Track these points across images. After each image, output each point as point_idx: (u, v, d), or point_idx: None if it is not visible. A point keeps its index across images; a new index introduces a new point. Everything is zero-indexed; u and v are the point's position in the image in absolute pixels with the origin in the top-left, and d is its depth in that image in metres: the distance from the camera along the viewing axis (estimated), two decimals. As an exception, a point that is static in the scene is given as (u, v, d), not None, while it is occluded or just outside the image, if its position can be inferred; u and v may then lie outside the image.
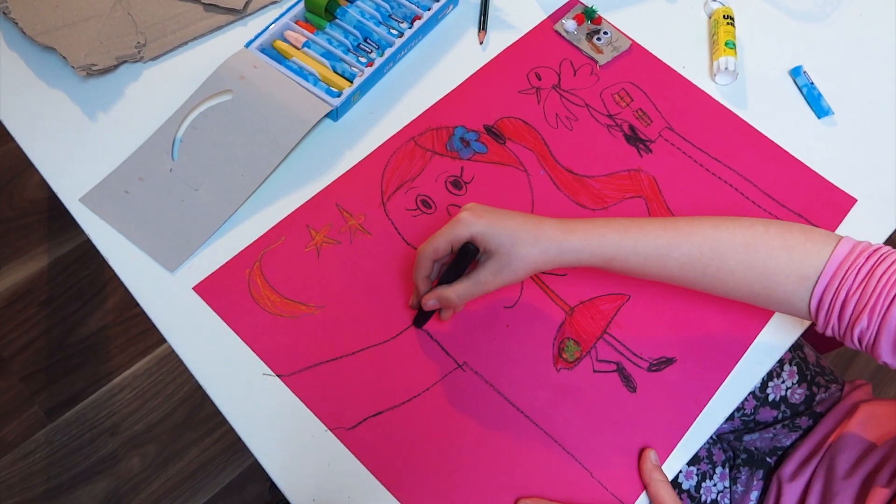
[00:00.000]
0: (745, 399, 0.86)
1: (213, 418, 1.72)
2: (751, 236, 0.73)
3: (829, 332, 0.73)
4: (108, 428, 1.69)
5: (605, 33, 1.04)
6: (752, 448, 1.01)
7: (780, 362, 1.00)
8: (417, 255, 0.76)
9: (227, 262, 0.85)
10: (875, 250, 0.71)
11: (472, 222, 0.73)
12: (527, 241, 0.73)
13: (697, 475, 0.95)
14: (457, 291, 0.75)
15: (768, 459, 1.00)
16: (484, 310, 0.85)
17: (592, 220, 0.76)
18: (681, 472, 0.93)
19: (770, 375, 0.99)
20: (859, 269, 0.70)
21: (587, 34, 1.04)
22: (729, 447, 1.02)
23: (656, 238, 0.74)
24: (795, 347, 1.03)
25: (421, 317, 0.81)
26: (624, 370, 0.83)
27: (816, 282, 0.71)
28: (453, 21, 1.04)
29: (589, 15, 1.04)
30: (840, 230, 0.93)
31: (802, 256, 0.72)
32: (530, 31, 1.04)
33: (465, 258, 0.74)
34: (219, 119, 0.91)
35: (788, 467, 0.96)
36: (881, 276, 0.69)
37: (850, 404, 0.99)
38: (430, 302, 0.77)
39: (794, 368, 1.01)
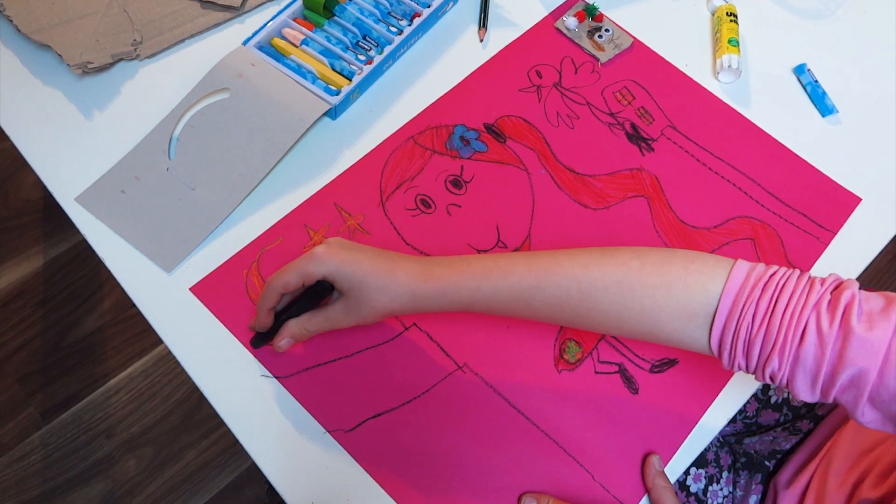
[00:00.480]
0: (748, 402, 0.86)
1: (211, 420, 1.72)
2: (623, 274, 0.69)
3: (736, 370, 0.68)
4: (104, 430, 1.70)
5: (607, 30, 1.04)
6: (752, 451, 1.01)
7: None
8: (266, 286, 0.74)
9: (224, 263, 0.85)
10: (771, 276, 0.65)
11: (325, 260, 0.71)
12: (377, 286, 0.71)
13: (705, 479, 0.95)
14: (307, 327, 0.75)
15: (767, 463, 1.00)
16: (484, 311, 0.85)
17: (454, 262, 0.73)
18: (689, 473, 0.93)
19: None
20: (757, 304, 0.64)
21: (588, 31, 1.04)
22: (730, 450, 1.02)
23: (518, 281, 0.70)
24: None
25: (259, 338, 0.79)
26: (626, 371, 0.83)
27: (712, 321, 0.66)
28: (453, 18, 1.04)
29: (590, 12, 1.04)
30: (845, 229, 0.93)
31: (682, 293, 0.67)
32: (531, 28, 1.04)
33: (317, 296, 0.74)
34: (216, 118, 0.91)
35: (785, 473, 0.96)
36: (784, 310, 0.63)
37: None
38: (282, 343, 0.76)
39: None
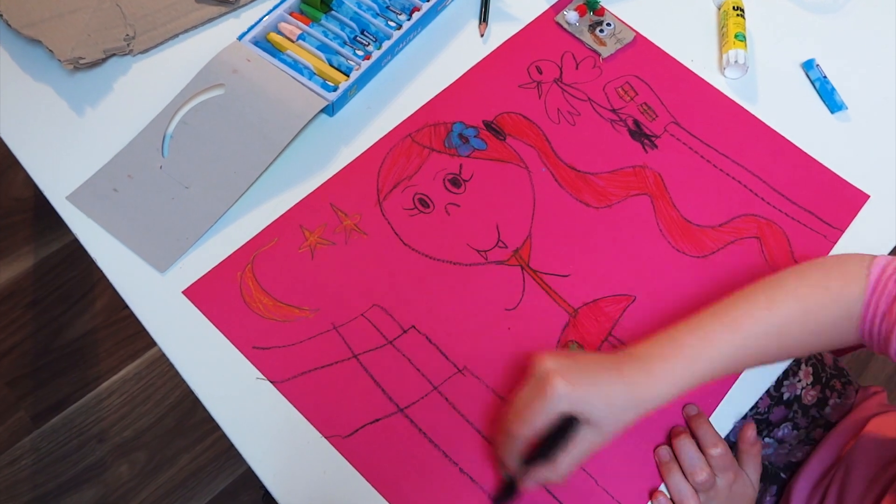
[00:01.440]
0: (760, 397, 0.87)
1: (205, 424, 1.72)
2: (803, 300, 0.75)
3: (877, 350, 0.76)
4: (96, 434, 1.70)
5: (609, 25, 1.04)
6: (766, 463, 1.01)
7: (797, 361, 1.00)
8: (506, 436, 0.72)
9: (217, 265, 0.85)
10: None
11: (573, 396, 0.68)
12: (624, 405, 0.70)
13: None
14: (561, 470, 0.71)
15: (782, 475, 1.00)
16: (484, 313, 0.85)
17: (662, 350, 0.73)
18: None
19: (786, 374, 0.99)
20: (882, 293, 0.72)
21: (590, 26, 1.04)
22: None
23: (728, 343, 0.73)
24: (813, 348, 1.03)
25: (506, 494, 0.75)
26: (629, 374, 0.83)
27: (860, 315, 0.74)
28: (453, 13, 1.04)
29: (591, 6, 1.04)
30: (852, 227, 0.93)
31: (846, 296, 0.74)
32: (530, 23, 1.04)
33: (567, 433, 0.70)
34: (211, 114, 0.91)
35: (800, 485, 0.96)
36: None
37: (863, 418, 0.99)
38: (532, 483, 0.73)
39: (810, 369, 1.01)
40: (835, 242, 0.92)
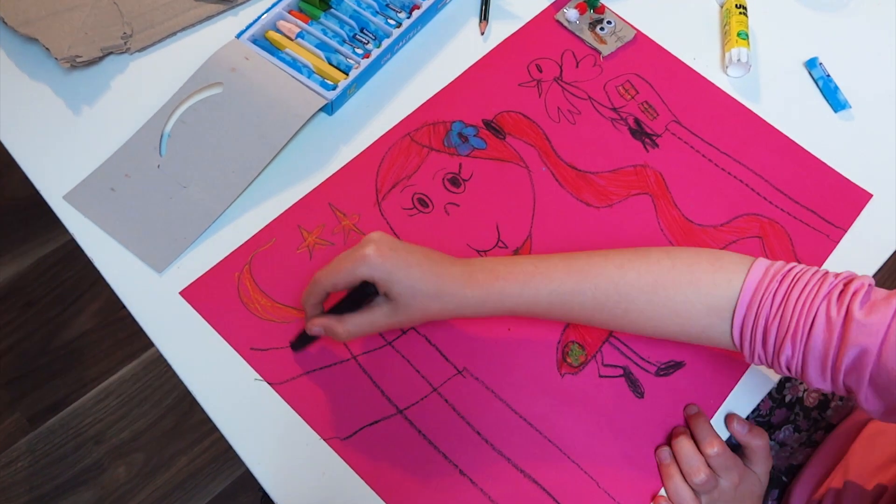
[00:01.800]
0: (762, 400, 0.87)
1: (203, 426, 1.72)
2: (657, 274, 0.74)
3: (757, 362, 0.74)
4: (93, 436, 1.70)
5: (609, 23, 1.04)
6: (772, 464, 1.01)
7: None
8: (312, 282, 0.75)
9: (215, 266, 0.85)
10: (788, 270, 0.71)
11: (377, 265, 0.71)
12: (428, 293, 0.72)
13: None
14: (347, 328, 0.74)
15: (784, 479, 1.00)
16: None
17: (495, 267, 0.75)
18: None
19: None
20: (774, 295, 0.70)
21: (590, 24, 1.04)
22: None
23: (558, 286, 0.74)
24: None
25: (301, 340, 0.80)
26: (631, 375, 0.84)
27: (733, 313, 0.72)
28: (453, 11, 1.05)
29: (592, 4, 1.04)
30: (855, 226, 0.93)
31: (710, 289, 0.73)
32: (530, 21, 1.04)
33: (363, 298, 0.74)
34: (209, 113, 0.91)
35: (800, 488, 0.96)
36: (797, 299, 0.69)
37: (862, 420, 0.99)
38: (315, 328, 0.76)
39: None
40: (837, 241, 0.92)
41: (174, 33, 0.98)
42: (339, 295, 0.75)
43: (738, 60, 1.00)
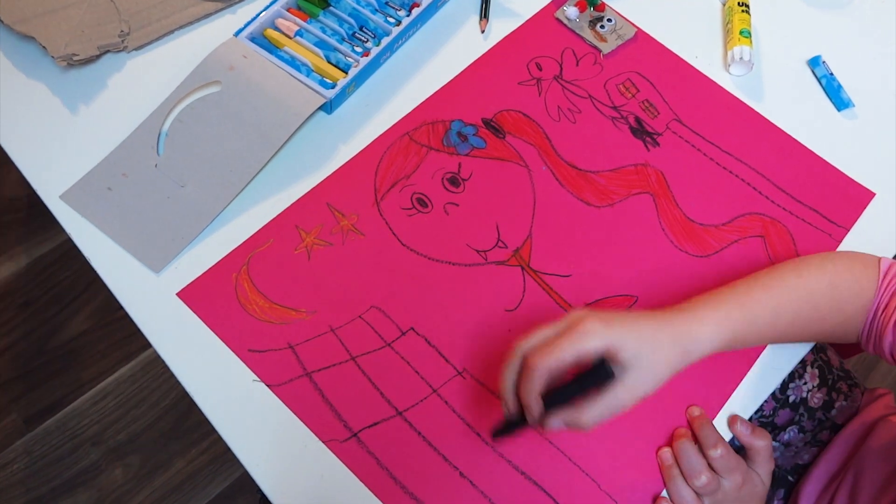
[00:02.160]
0: (766, 400, 0.86)
1: (201, 427, 1.72)
2: (832, 274, 0.79)
3: (871, 350, 0.80)
4: (89, 437, 1.70)
5: (609, 20, 1.04)
6: (774, 467, 1.01)
7: (803, 363, 1.00)
8: (530, 368, 0.66)
9: (212, 267, 0.85)
10: None
11: (602, 332, 0.65)
12: (667, 342, 0.69)
13: None
14: (591, 417, 0.67)
15: (790, 478, 1.00)
16: (484, 314, 0.85)
17: (705, 301, 0.74)
18: None
19: (791, 376, 0.99)
20: (886, 288, 0.77)
21: (590, 22, 1.04)
22: None
23: (766, 301, 0.76)
24: (818, 350, 1.03)
25: (508, 428, 0.73)
26: (632, 376, 0.83)
27: (868, 304, 0.78)
28: (453, 8, 1.05)
29: (592, 2, 1.04)
30: (858, 225, 0.93)
31: (865, 283, 0.79)
32: (529, 19, 1.04)
33: (600, 377, 0.66)
34: (206, 112, 0.91)
35: (809, 489, 0.96)
36: None
37: (870, 420, 0.99)
38: (555, 423, 0.68)
39: (816, 371, 1.01)
40: (840, 241, 0.92)
41: (172, 31, 0.98)
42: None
43: (741, 59, 1.00)
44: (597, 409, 0.66)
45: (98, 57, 0.96)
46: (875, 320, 0.78)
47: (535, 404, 0.67)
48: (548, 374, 0.66)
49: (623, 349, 0.66)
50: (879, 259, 0.80)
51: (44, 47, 0.92)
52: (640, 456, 0.80)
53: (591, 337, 0.65)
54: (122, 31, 0.96)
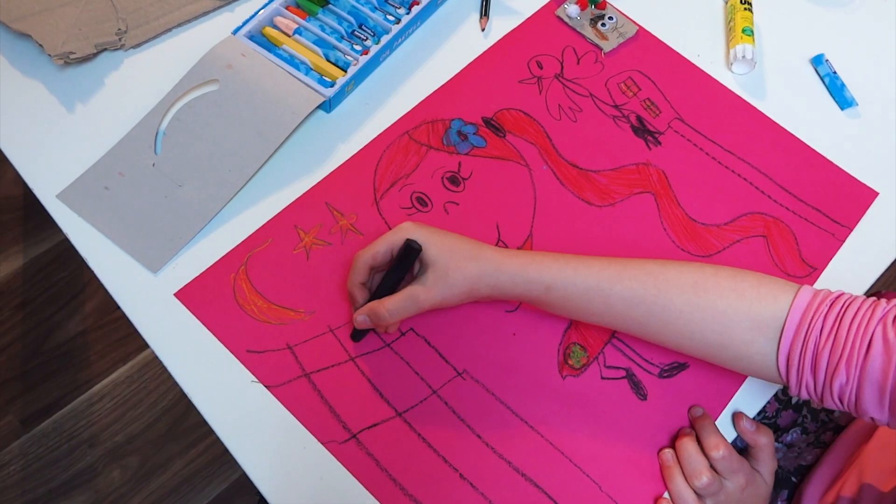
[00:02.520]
0: (768, 402, 0.86)
1: (199, 429, 1.72)
2: (699, 276, 0.73)
3: (804, 394, 0.71)
4: (86, 439, 1.69)
5: (611, 18, 1.04)
6: (777, 467, 1.01)
7: None
8: (354, 261, 0.77)
9: (210, 267, 0.85)
10: (837, 296, 0.70)
11: (413, 230, 0.76)
12: (465, 255, 0.75)
13: None
14: (388, 306, 0.74)
15: (793, 479, 1.00)
16: (484, 314, 0.85)
17: (532, 252, 0.81)
18: None
19: None
20: (825, 317, 0.68)
21: (591, 20, 1.04)
22: None
23: (599, 270, 0.75)
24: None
25: (358, 331, 0.82)
26: (634, 377, 0.83)
27: (781, 335, 0.70)
28: (453, 6, 1.04)
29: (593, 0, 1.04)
30: (861, 224, 0.93)
31: (755, 301, 0.71)
32: (530, 17, 1.04)
33: (406, 258, 0.76)
34: (204, 111, 0.91)
35: (812, 489, 0.96)
36: (851, 322, 0.67)
37: (872, 423, 0.99)
38: (359, 318, 0.77)
39: None
40: (843, 240, 0.92)
41: (169, 29, 0.98)
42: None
43: (743, 57, 1.00)
44: (396, 302, 0.75)
45: (95, 55, 0.96)
46: (803, 352, 0.69)
47: (357, 293, 0.78)
48: (368, 265, 0.77)
49: (427, 250, 0.75)
50: (799, 287, 0.72)
51: (40, 45, 0.91)
52: (641, 457, 0.80)
53: (402, 232, 0.76)
54: (119, 29, 0.96)
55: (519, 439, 0.79)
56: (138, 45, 0.97)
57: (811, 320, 0.68)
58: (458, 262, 0.74)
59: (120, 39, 0.96)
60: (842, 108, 1.01)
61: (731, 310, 0.71)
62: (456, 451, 0.78)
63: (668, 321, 0.74)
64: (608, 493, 0.78)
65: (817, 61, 1.04)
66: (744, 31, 1.01)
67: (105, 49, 0.96)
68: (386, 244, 0.76)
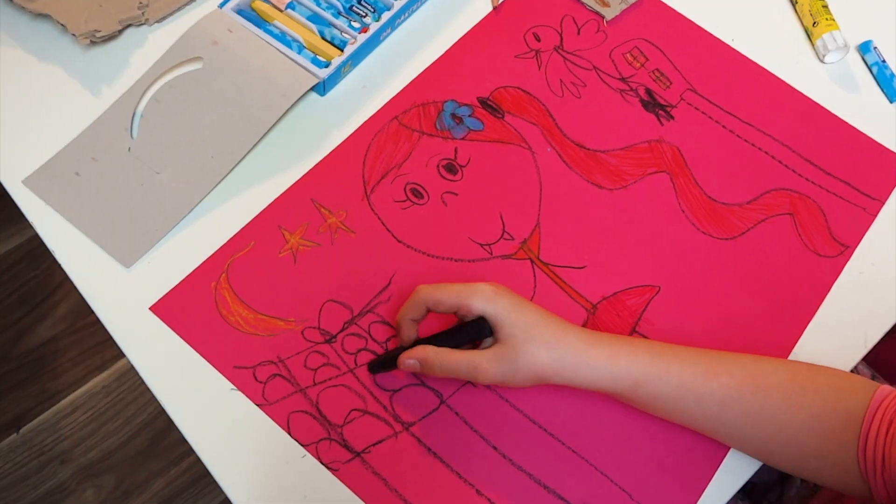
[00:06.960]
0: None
1: (181, 445, 1.71)
2: (795, 372, 0.73)
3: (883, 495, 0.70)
4: (58, 455, 1.69)
5: (612, -18, 1.02)
6: None
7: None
8: (414, 294, 0.73)
9: (188, 276, 0.82)
10: None
11: (492, 299, 0.70)
12: (543, 341, 0.71)
13: None
14: (444, 364, 0.71)
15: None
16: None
17: (620, 336, 0.75)
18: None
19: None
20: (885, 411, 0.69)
21: (590, -16, 1.02)
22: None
23: (692, 364, 0.72)
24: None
25: (381, 364, 0.78)
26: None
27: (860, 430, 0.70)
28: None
29: (592, -37, 1.02)
30: (894, 196, 0.92)
31: (848, 394, 0.72)
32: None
33: (472, 333, 0.72)
34: (186, 91, 0.89)
35: None
36: None
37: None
38: (408, 362, 0.73)
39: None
40: (875, 215, 0.91)
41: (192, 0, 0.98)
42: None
43: (835, 44, 0.98)
44: (455, 364, 0.71)
45: (120, 32, 0.95)
46: (873, 448, 0.69)
47: (405, 327, 0.74)
48: (426, 306, 0.72)
49: (502, 325, 0.70)
50: (879, 385, 0.72)
51: (63, 25, 0.90)
52: (674, 462, 0.78)
53: (477, 297, 0.70)
54: (141, 2, 0.95)
55: (539, 448, 0.77)
56: (161, 18, 0.96)
57: (875, 414, 0.69)
58: (532, 348, 0.70)
59: (143, 14, 0.95)
60: (891, 101, 0.99)
61: (828, 410, 0.71)
62: (470, 464, 0.76)
63: (762, 422, 0.72)
64: (639, 501, 0.76)
65: (865, 49, 1.01)
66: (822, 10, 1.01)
67: (129, 24, 0.95)
68: (455, 300, 0.71)
